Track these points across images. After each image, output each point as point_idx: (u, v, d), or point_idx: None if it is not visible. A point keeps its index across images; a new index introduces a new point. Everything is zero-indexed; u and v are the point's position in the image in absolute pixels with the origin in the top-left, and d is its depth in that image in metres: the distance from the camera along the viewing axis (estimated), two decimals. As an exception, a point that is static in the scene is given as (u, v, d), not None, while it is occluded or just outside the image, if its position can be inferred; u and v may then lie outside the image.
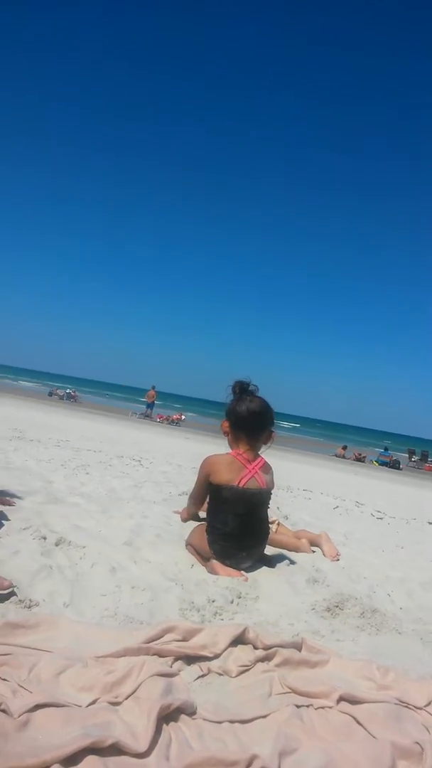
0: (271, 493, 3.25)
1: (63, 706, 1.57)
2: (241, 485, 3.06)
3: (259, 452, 3.23)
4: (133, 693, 1.68)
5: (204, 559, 3.15)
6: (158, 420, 27.97)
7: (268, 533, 3.30)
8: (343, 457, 25.36)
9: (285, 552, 3.62)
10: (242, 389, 3.20)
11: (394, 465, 24.80)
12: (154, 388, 29.69)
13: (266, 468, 3.21)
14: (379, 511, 7.24)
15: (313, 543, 3.90)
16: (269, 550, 3.48)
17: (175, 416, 29.20)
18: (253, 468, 3.12)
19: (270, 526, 3.57)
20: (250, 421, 3.12)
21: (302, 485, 8.45)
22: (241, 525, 3.07)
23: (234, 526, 3.06)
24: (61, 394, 33.41)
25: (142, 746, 1.47)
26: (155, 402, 29.76)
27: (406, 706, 1.86)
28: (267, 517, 3.29)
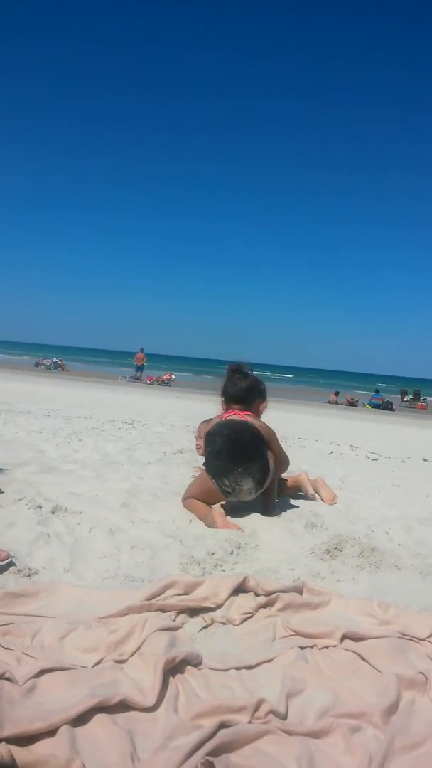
0: (256, 428, 3.34)
1: (68, 669, 1.57)
2: (221, 418, 3.50)
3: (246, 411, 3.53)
4: (137, 650, 1.69)
5: (203, 512, 3.16)
6: (148, 382, 27.93)
7: (263, 456, 3.29)
8: (336, 402, 25.53)
9: (284, 498, 3.64)
10: (233, 370, 3.67)
11: (387, 406, 24.98)
12: (142, 350, 29.56)
13: (253, 418, 3.45)
14: (373, 453, 7.31)
15: (298, 488, 3.92)
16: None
17: (165, 376, 29.15)
18: (234, 411, 3.50)
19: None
20: (238, 395, 3.56)
21: (297, 434, 8.49)
22: (228, 442, 3.26)
23: (222, 444, 3.27)
24: (48, 363, 33.12)
25: (150, 700, 1.48)
26: (145, 364, 29.67)
27: (408, 639, 1.89)
28: (263, 443, 3.32)
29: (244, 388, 3.57)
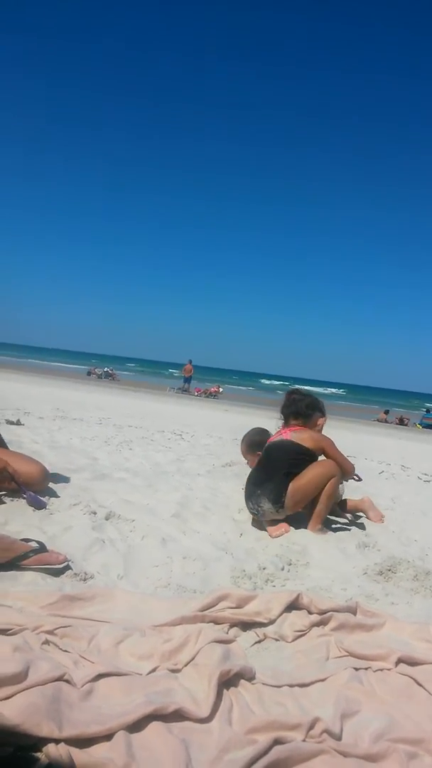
0: (296, 444, 3.44)
1: (124, 674, 1.60)
2: (275, 437, 3.69)
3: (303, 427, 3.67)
4: (191, 660, 1.70)
5: None
6: (196, 394, 28.07)
7: (287, 476, 3.32)
8: (386, 421, 25.05)
9: (334, 518, 3.60)
10: (292, 391, 3.91)
11: (439, 427, 24.39)
12: (190, 362, 29.75)
13: (300, 432, 3.57)
14: (425, 474, 7.14)
15: (357, 509, 3.87)
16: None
17: (212, 389, 29.24)
18: (285, 431, 3.62)
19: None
20: (299, 411, 3.73)
21: (346, 452, 8.35)
22: (258, 468, 3.54)
23: (253, 469, 3.59)
24: (99, 372, 33.74)
25: (204, 711, 1.48)
26: (192, 376, 29.85)
27: (466, 667, 1.84)
28: (287, 462, 3.38)
29: (305, 405, 3.74)
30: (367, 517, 3.78)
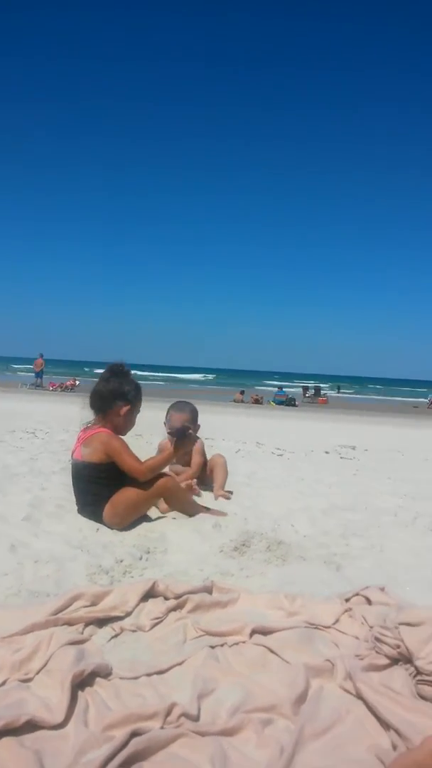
0: (87, 465, 3.18)
1: (-32, 694, 1.49)
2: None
3: (103, 424, 3.29)
4: (43, 667, 1.63)
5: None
6: (51, 388, 27.15)
7: (99, 503, 3.14)
8: (242, 401, 25.97)
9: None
10: (108, 369, 3.39)
11: (290, 402, 25.78)
12: (41, 356, 28.65)
13: (90, 441, 3.20)
14: (278, 449, 7.50)
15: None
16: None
17: (68, 382, 28.46)
18: (78, 441, 3.29)
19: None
20: (91, 404, 3.35)
21: (203, 434, 8.53)
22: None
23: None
24: None
25: (58, 717, 1.43)
26: (44, 370, 28.79)
27: (315, 628, 1.94)
28: (89, 493, 3.21)
29: (100, 395, 3.31)
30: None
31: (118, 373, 3.35)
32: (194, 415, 4.09)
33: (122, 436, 3.29)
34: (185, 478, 3.86)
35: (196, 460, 4.08)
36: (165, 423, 4.10)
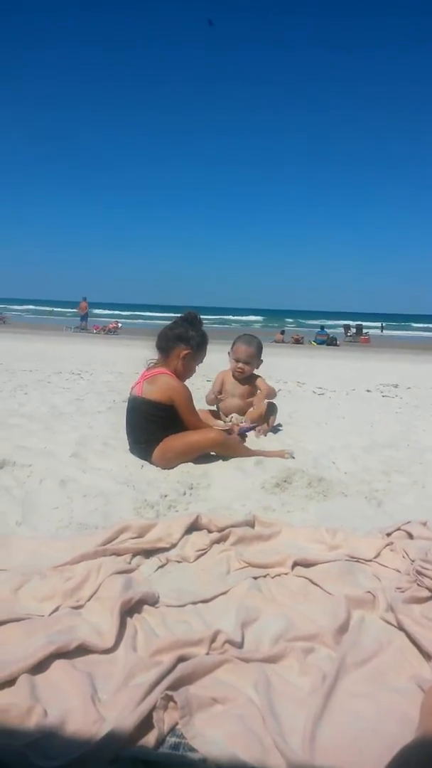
0: (146, 402, 3.22)
1: (23, 619, 1.57)
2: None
3: (165, 366, 3.36)
4: (93, 594, 1.70)
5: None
6: (95, 331, 27.45)
7: (154, 442, 3.19)
8: (282, 341, 25.76)
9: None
10: (182, 317, 3.47)
11: (332, 342, 25.44)
12: (85, 299, 28.91)
13: (154, 379, 3.28)
14: (320, 388, 7.46)
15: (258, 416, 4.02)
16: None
17: (111, 325, 28.69)
18: (141, 379, 3.36)
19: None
20: (157, 344, 3.45)
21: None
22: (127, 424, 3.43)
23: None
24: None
25: (109, 642, 1.49)
26: (88, 312, 29.08)
27: (356, 561, 1.97)
28: (144, 429, 3.25)
29: (167, 337, 3.38)
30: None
31: (188, 319, 3.44)
32: (259, 349, 4.18)
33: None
34: (256, 416, 3.96)
35: (260, 400, 4.11)
36: (229, 353, 4.19)
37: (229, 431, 3.51)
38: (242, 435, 3.68)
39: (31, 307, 62.84)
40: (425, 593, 1.68)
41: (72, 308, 37.98)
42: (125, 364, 9.52)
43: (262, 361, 4.18)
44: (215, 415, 4.09)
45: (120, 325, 29.01)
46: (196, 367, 3.48)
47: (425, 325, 55.19)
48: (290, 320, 57.39)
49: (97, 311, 41.39)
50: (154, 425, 3.20)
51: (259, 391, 4.10)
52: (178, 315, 3.52)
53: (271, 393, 4.17)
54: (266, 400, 4.07)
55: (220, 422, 3.83)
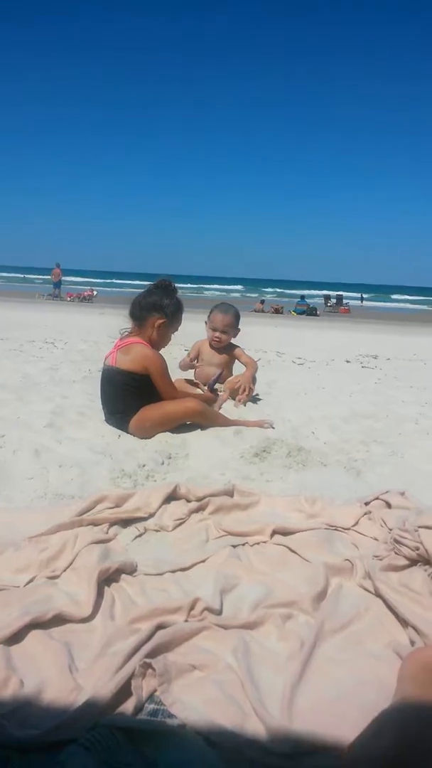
0: (121, 372, 3.16)
1: (-1, 590, 1.55)
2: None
3: (139, 336, 3.28)
4: (70, 565, 1.68)
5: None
6: (69, 299, 27.04)
7: (130, 411, 3.14)
8: (262, 311, 25.71)
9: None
10: (155, 284, 3.38)
11: (312, 312, 25.46)
12: (58, 266, 28.35)
13: (127, 348, 3.21)
14: (299, 358, 7.46)
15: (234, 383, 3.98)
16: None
17: (86, 292, 28.30)
18: (115, 348, 3.29)
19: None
20: (131, 313, 3.36)
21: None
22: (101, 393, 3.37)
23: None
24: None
25: (86, 611, 1.48)
26: (62, 279, 28.59)
27: (335, 529, 1.98)
28: (120, 399, 3.19)
29: (141, 305, 3.29)
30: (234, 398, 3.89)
31: (162, 287, 3.34)
32: (237, 318, 4.12)
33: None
34: (243, 384, 3.92)
35: (249, 367, 4.07)
36: (206, 322, 4.13)
37: (208, 400, 3.48)
38: (213, 390, 3.62)
39: (2, 274, 61.61)
40: (403, 561, 1.69)
41: (45, 275, 37.31)
42: (100, 333, 9.40)
43: (239, 330, 4.15)
44: (192, 384, 4.06)
45: (95, 293, 28.63)
46: (172, 335, 3.42)
47: (404, 297, 55.63)
48: (270, 290, 57.34)
49: (71, 278, 40.76)
50: (130, 395, 3.15)
51: (245, 368, 4.06)
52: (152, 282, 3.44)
53: (254, 365, 4.14)
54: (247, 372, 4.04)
55: (198, 390, 3.79)
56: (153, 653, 1.30)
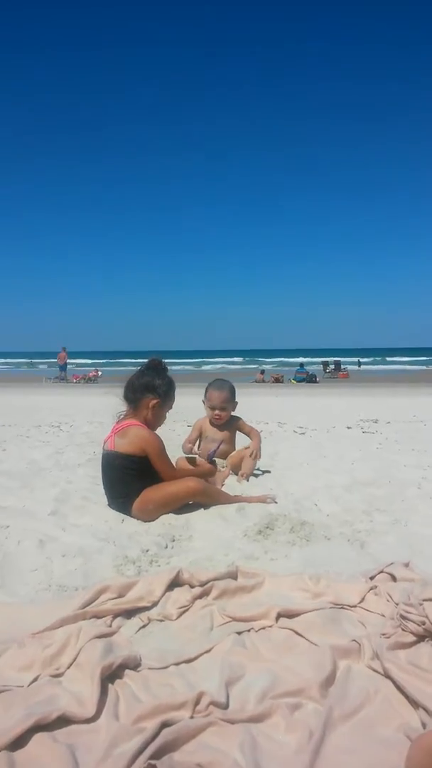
0: (120, 456, 3.17)
1: (1, 691, 1.52)
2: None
3: (135, 417, 3.32)
4: (73, 661, 1.66)
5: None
6: (74, 381, 27.39)
7: (132, 495, 3.15)
8: (263, 381, 25.94)
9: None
10: (146, 364, 3.45)
11: (311, 379, 25.70)
12: (64, 349, 28.92)
13: (125, 431, 3.24)
14: (300, 427, 7.49)
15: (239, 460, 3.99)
16: None
17: (91, 374, 28.69)
18: (113, 432, 3.31)
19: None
20: (125, 395, 3.41)
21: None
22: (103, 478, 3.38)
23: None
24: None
25: (90, 711, 1.45)
26: (68, 362, 29.07)
27: (341, 608, 1.95)
28: (120, 484, 3.21)
29: (134, 386, 3.35)
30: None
31: (153, 367, 3.42)
32: (232, 392, 4.17)
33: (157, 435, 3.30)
34: (249, 459, 3.96)
35: (254, 437, 4.12)
36: (203, 401, 4.18)
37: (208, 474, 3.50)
38: (212, 461, 3.61)
39: (9, 360, 62.64)
40: (410, 638, 1.67)
41: (50, 359, 37.91)
42: (106, 413, 9.41)
43: (236, 402, 4.20)
44: (192, 462, 4.08)
45: (100, 373, 29.00)
46: (166, 414, 3.46)
47: (398, 359, 56.54)
48: (269, 360, 58.02)
49: (76, 360, 41.40)
50: (131, 478, 3.17)
51: (250, 438, 4.10)
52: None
53: (258, 434, 4.17)
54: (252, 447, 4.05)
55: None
56: (158, 753, 1.27)
